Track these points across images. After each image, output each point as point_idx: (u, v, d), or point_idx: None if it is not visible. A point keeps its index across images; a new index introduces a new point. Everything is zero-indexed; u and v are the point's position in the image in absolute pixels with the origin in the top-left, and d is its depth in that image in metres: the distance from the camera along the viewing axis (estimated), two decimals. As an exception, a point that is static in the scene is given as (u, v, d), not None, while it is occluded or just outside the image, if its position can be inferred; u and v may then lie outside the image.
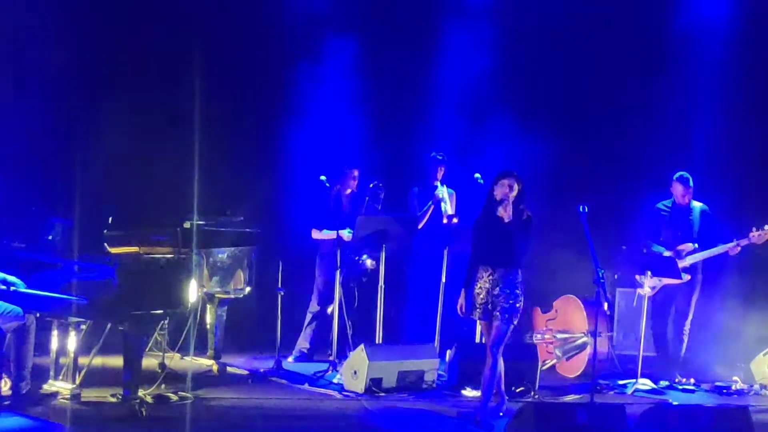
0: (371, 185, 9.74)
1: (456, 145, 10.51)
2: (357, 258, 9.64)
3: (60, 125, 10.20)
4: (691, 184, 9.66)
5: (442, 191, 9.84)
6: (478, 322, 8.06)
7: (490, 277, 7.83)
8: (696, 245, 9.61)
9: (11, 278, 7.67)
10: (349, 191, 9.96)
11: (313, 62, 10.92)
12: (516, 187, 7.85)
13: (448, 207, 9.76)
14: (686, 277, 9.50)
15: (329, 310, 9.63)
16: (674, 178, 9.72)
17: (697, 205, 9.75)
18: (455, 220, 9.64)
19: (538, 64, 10.89)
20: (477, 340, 9.25)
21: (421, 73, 11.03)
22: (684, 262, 9.53)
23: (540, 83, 10.87)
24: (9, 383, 7.75)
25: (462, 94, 10.88)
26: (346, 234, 9.52)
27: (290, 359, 9.84)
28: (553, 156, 10.77)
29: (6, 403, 7.57)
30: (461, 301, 7.99)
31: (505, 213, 7.83)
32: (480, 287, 7.87)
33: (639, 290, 9.64)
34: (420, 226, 9.81)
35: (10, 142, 9.73)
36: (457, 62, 10.92)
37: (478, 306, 7.87)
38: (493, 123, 10.70)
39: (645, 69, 10.79)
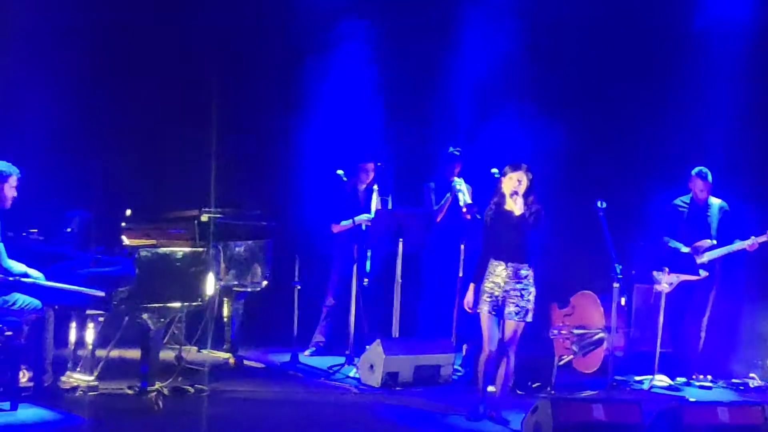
0: (378, 164, 9.78)
1: (472, 141, 10.48)
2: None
3: (78, 118, 10.23)
4: (710, 179, 9.62)
5: (460, 182, 9.83)
6: (487, 315, 7.73)
7: (503, 271, 7.71)
8: (714, 242, 9.57)
9: (33, 272, 7.71)
10: (363, 186, 9.95)
11: (330, 55, 10.92)
12: (525, 179, 7.72)
13: (467, 197, 9.75)
14: (704, 273, 9.45)
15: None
16: (693, 173, 9.68)
17: (715, 201, 9.70)
18: (475, 209, 9.58)
19: (556, 58, 10.85)
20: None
21: (439, 68, 11.01)
22: (701, 259, 9.49)
23: (558, 78, 10.83)
24: (28, 375, 7.80)
25: (479, 89, 10.86)
26: (364, 218, 9.54)
27: (307, 353, 9.86)
28: (571, 151, 10.73)
29: (25, 394, 7.61)
30: (469, 296, 7.87)
31: (516, 206, 7.72)
32: (492, 282, 7.73)
33: (656, 286, 9.61)
34: (438, 219, 9.81)
35: (30, 134, 9.77)
36: (476, 57, 10.88)
37: (488, 300, 7.70)
38: (510, 118, 10.67)
39: (664, 63, 10.74)
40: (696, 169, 9.65)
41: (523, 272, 7.72)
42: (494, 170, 9.42)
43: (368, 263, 9.63)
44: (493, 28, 10.89)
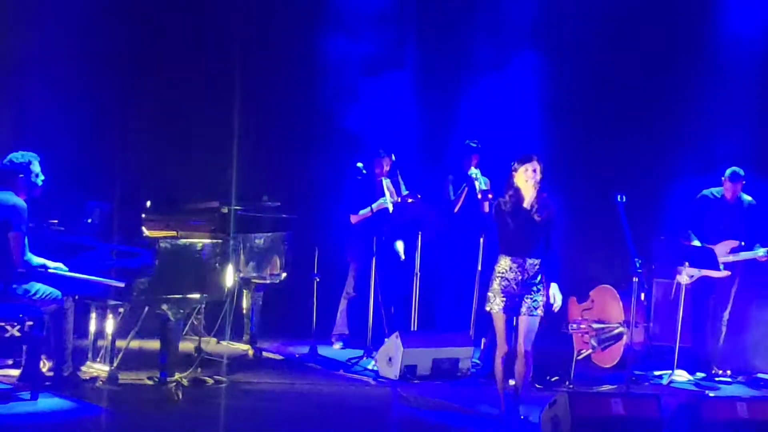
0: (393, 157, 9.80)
1: (491, 133, 10.46)
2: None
3: (100, 110, 10.28)
4: (742, 173, 9.44)
5: (476, 172, 9.80)
6: (500, 314, 7.52)
7: (519, 268, 7.50)
8: (742, 243, 9.41)
9: (53, 264, 7.75)
10: (381, 178, 9.91)
11: (355, 47, 10.93)
12: (539, 168, 7.50)
13: (482, 185, 9.74)
14: (726, 272, 9.35)
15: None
16: (726, 174, 9.48)
17: (746, 198, 9.53)
18: (490, 196, 9.56)
19: (576, 47, 10.80)
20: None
21: (461, 60, 11.01)
22: (726, 258, 9.38)
23: (579, 70, 10.80)
24: (48, 365, 7.85)
25: (499, 82, 10.85)
26: (381, 203, 9.52)
27: (337, 346, 9.88)
28: (592, 144, 10.71)
29: (46, 384, 7.66)
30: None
31: (535, 202, 7.48)
32: (505, 280, 7.50)
33: (678, 277, 9.53)
34: (456, 209, 9.81)
35: (51, 126, 9.82)
36: (496, 50, 10.87)
37: (501, 299, 7.48)
38: (530, 111, 10.65)
39: (686, 52, 10.68)
40: (729, 171, 9.46)
41: (537, 267, 7.55)
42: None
43: (401, 252, 9.62)
44: (515, 21, 10.87)
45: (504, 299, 7.50)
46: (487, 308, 7.61)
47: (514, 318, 7.57)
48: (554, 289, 7.63)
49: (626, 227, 8.08)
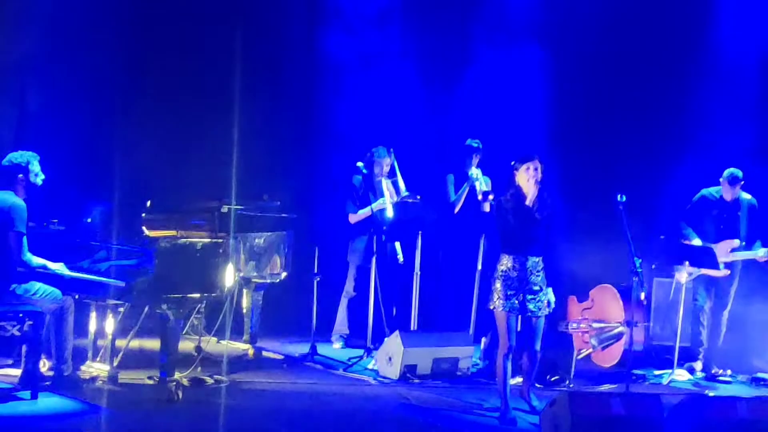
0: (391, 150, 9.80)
1: (491, 133, 10.46)
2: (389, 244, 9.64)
3: (100, 109, 10.28)
4: (740, 177, 9.42)
5: (477, 172, 9.80)
6: (503, 313, 7.61)
7: (521, 266, 7.59)
8: (743, 243, 9.42)
9: (53, 265, 7.75)
10: (380, 178, 9.90)
11: (354, 46, 10.92)
12: (540, 167, 7.60)
13: (484, 187, 9.73)
14: (725, 272, 9.35)
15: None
16: (724, 176, 9.50)
17: (745, 197, 9.52)
18: (491, 197, 9.55)
19: (577, 47, 10.80)
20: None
21: (463, 59, 11.01)
22: (726, 258, 9.37)
23: (578, 68, 10.79)
24: (48, 364, 7.85)
25: (500, 82, 10.85)
26: (380, 203, 9.52)
27: (337, 346, 9.87)
28: (591, 143, 10.70)
29: (46, 383, 7.67)
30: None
31: (536, 200, 7.61)
32: (508, 277, 7.60)
33: (677, 275, 9.53)
34: (456, 210, 9.80)
35: (51, 125, 9.83)
36: (497, 50, 10.88)
37: (504, 298, 7.58)
38: (529, 110, 10.65)
39: (687, 53, 10.67)
40: (727, 173, 9.45)
41: (540, 265, 7.66)
42: (514, 163, 9.40)
43: (399, 254, 9.64)
44: (516, 21, 10.87)
45: (506, 298, 7.61)
46: (491, 306, 7.73)
47: (518, 317, 7.63)
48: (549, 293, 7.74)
49: (626, 227, 8.09)
